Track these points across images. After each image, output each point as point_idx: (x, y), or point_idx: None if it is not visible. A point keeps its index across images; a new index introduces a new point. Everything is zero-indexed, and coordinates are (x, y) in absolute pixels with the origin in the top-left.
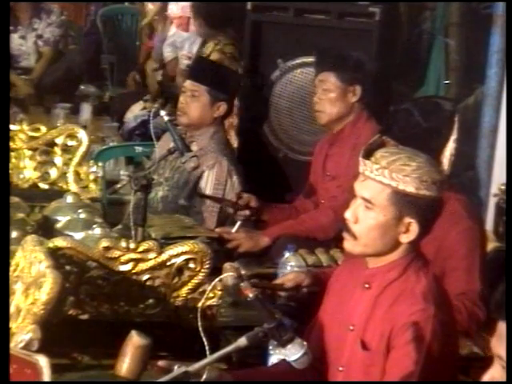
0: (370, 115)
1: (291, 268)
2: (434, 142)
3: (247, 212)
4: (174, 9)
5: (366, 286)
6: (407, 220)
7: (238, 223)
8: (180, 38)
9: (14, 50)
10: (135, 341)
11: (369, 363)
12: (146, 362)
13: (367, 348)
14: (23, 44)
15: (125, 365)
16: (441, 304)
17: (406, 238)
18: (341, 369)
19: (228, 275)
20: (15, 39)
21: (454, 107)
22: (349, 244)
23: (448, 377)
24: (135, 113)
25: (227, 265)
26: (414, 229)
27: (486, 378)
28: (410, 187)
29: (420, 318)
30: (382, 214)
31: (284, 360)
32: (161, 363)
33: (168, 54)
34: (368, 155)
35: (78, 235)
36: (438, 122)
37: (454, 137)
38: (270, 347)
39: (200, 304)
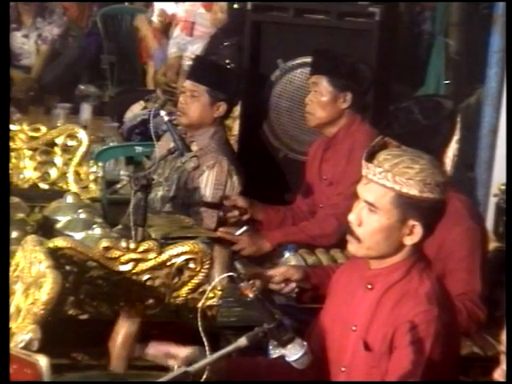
0: (363, 118)
1: None
2: (433, 141)
3: (236, 212)
4: (179, 11)
5: (369, 286)
6: (411, 222)
7: (244, 228)
8: (183, 41)
9: (16, 48)
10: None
11: (371, 364)
12: (134, 346)
13: (370, 348)
14: (25, 43)
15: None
16: (444, 306)
17: (409, 240)
18: (343, 369)
19: (227, 275)
20: (18, 38)
21: (455, 106)
22: (352, 247)
23: (449, 378)
24: (135, 112)
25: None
26: (418, 231)
27: (497, 374)
28: (413, 190)
29: (423, 319)
30: (385, 217)
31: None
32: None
33: (172, 51)
34: (371, 158)
35: (78, 235)
36: (437, 120)
37: (456, 137)
38: (270, 347)
39: (200, 304)
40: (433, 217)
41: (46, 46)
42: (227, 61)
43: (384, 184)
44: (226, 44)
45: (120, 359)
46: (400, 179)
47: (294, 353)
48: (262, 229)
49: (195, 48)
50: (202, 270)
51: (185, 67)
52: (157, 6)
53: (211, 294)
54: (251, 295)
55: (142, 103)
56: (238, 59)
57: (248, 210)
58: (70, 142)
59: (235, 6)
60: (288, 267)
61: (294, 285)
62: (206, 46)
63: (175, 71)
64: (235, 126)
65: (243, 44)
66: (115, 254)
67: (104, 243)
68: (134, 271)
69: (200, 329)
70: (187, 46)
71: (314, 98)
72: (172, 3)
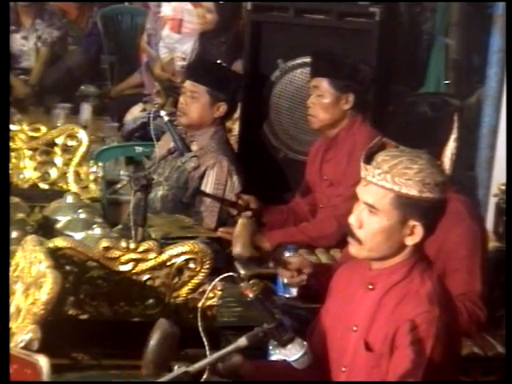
0: (364, 119)
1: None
2: (439, 134)
3: (249, 213)
4: (166, 10)
5: (370, 286)
6: (411, 223)
7: None
8: (172, 40)
9: (16, 50)
10: (163, 328)
11: (372, 364)
12: (171, 352)
13: (370, 349)
14: (25, 44)
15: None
16: (445, 306)
17: (410, 241)
18: (343, 369)
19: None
20: (17, 39)
21: (461, 104)
22: (354, 249)
23: (449, 378)
24: (135, 115)
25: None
26: (419, 231)
27: None
28: (412, 191)
29: (424, 319)
30: (385, 218)
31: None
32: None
33: (163, 55)
34: (369, 160)
35: (78, 235)
36: (444, 113)
37: (454, 136)
38: (270, 347)
39: (200, 304)
40: (433, 216)
41: (46, 48)
42: (218, 61)
43: (383, 185)
44: (214, 43)
45: (152, 364)
46: (399, 180)
47: (294, 353)
48: (266, 230)
49: (185, 48)
50: (202, 270)
51: (177, 67)
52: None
53: (211, 294)
54: (251, 295)
55: (141, 105)
56: (229, 57)
57: (259, 212)
58: (70, 142)
59: (221, 2)
60: (303, 259)
61: (304, 277)
62: (195, 44)
63: (170, 73)
64: (235, 128)
65: (233, 41)
66: (115, 254)
67: (104, 243)
68: (134, 271)
69: (200, 329)
70: (176, 46)
71: (316, 100)
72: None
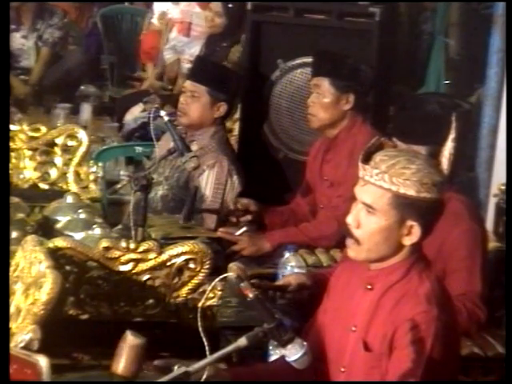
0: (364, 119)
1: (291, 268)
2: (443, 132)
3: (249, 217)
4: (174, 13)
5: (369, 287)
6: (409, 223)
7: (244, 228)
8: (180, 43)
9: (15, 49)
10: (130, 340)
11: (371, 364)
12: (141, 362)
13: (369, 349)
14: (25, 44)
15: (121, 364)
16: (443, 306)
17: (408, 241)
18: (343, 369)
19: (230, 275)
20: (17, 38)
21: (470, 107)
22: (353, 252)
23: (449, 378)
24: (135, 115)
25: (233, 265)
26: (417, 231)
27: None
28: (410, 191)
29: (423, 319)
30: (383, 218)
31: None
32: (157, 362)
33: (168, 56)
34: (367, 159)
35: (78, 235)
36: (451, 114)
37: (452, 136)
38: (270, 347)
39: (200, 304)
40: (431, 217)
41: (47, 48)
42: (225, 63)
43: (381, 185)
44: (223, 45)
45: (127, 367)
46: (397, 180)
47: (293, 353)
48: (266, 231)
49: (193, 51)
50: (202, 270)
51: (184, 70)
52: (156, 8)
53: (211, 294)
54: (251, 295)
55: (141, 105)
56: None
57: (259, 214)
58: (70, 142)
59: (229, 5)
60: (296, 275)
61: (306, 292)
62: (202, 47)
63: (173, 75)
64: (235, 128)
65: (240, 40)
66: (115, 254)
67: (104, 243)
68: (134, 271)
69: (200, 329)
70: (184, 49)
71: (316, 99)
72: (169, 5)
